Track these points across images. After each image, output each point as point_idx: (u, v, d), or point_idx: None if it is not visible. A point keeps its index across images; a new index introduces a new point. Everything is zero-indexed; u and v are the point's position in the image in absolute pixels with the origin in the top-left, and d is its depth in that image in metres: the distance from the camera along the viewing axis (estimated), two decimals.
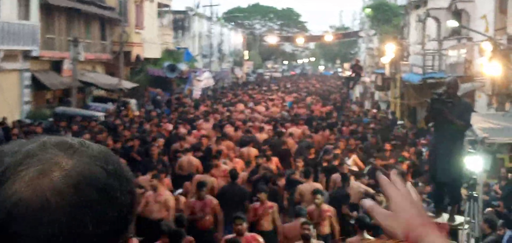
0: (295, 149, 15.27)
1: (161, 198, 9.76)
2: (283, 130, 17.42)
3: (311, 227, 8.05)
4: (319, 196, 9.47)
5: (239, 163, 12.80)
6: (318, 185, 10.78)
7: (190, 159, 12.87)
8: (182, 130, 17.33)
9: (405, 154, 13.89)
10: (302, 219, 8.40)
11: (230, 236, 8.19)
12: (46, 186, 0.84)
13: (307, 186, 10.58)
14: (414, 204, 1.13)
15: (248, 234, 7.92)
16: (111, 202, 0.88)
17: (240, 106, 26.52)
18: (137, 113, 24.20)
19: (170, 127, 18.64)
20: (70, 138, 0.94)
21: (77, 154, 0.89)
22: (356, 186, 11.04)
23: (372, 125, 19.24)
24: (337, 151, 13.55)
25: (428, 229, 1.06)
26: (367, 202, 1.13)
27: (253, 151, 13.86)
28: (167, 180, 11.45)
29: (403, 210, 1.10)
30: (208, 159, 12.59)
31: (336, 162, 12.47)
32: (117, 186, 0.90)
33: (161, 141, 14.79)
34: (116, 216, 0.89)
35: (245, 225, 7.91)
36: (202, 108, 25.40)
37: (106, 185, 0.88)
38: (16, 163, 0.85)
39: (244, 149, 14.24)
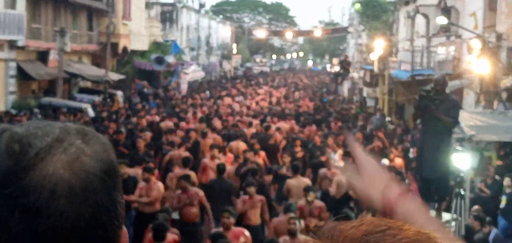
0: (283, 144, 15.22)
1: (153, 192, 9.68)
2: (271, 124, 17.37)
3: (297, 222, 8.02)
4: (311, 193, 9.43)
5: (229, 158, 12.71)
6: (307, 181, 10.73)
7: (181, 153, 12.69)
8: (169, 123, 17.19)
9: (393, 150, 13.89)
10: (290, 214, 8.38)
11: (216, 229, 8.15)
12: (83, 169, 0.87)
13: (295, 181, 10.55)
14: (384, 171, 1.16)
15: (235, 228, 7.86)
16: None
17: (228, 100, 26.41)
18: (122, 105, 24.02)
19: (157, 119, 18.51)
20: (81, 125, 0.96)
21: (93, 142, 0.91)
22: (341, 180, 11.03)
23: (360, 122, 19.25)
24: (317, 141, 13.47)
25: (404, 196, 1.11)
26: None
27: (242, 145, 13.78)
28: (156, 173, 11.36)
29: (377, 177, 1.13)
30: (196, 153, 12.48)
31: (323, 158, 12.43)
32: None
33: (148, 134, 14.67)
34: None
35: (232, 219, 7.84)
36: (190, 101, 25.28)
37: (116, 171, 0.94)
38: (48, 146, 0.86)
39: (233, 143, 14.16)
